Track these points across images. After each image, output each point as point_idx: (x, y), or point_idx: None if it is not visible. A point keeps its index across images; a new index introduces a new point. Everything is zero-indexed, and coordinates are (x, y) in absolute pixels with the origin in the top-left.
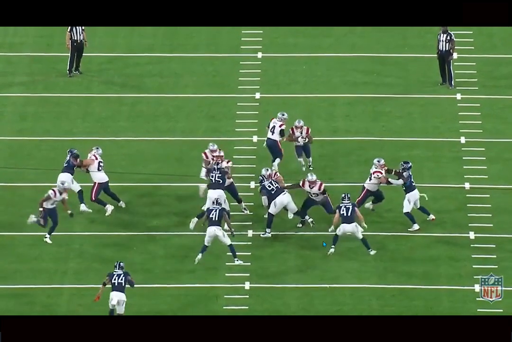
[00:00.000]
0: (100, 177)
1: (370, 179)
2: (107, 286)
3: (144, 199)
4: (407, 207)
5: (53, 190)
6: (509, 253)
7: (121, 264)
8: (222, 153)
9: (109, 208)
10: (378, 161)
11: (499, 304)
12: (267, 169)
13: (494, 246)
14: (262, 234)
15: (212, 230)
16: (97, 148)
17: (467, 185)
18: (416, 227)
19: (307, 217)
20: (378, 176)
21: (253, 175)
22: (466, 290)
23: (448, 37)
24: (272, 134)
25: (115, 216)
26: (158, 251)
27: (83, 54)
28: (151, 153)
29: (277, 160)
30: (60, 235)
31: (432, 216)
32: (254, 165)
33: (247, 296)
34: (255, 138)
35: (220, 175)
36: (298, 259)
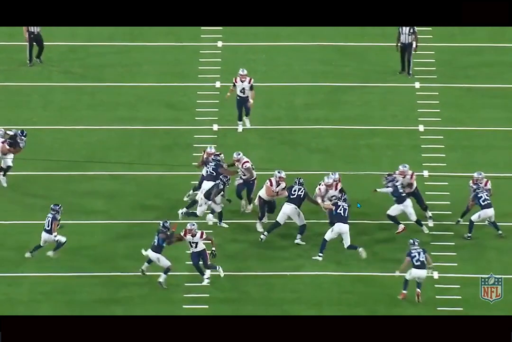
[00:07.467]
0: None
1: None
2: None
3: (104, 187)
4: (393, 211)
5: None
6: (467, 240)
7: (165, 223)
8: (213, 151)
9: None
10: (404, 166)
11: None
12: (239, 154)
13: (452, 233)
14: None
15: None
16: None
17: (425, 173)
18: (401, 227)
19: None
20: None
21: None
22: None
23: (411, 30)
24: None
25: (76, 205)
26: (119, 239)
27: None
28: (112, 142)
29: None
30: (22, 223)
31: (425, 227)
32: None
33: (208, 284)
34: (215, 127)
35: (214, 167)
36: (259, 248)
